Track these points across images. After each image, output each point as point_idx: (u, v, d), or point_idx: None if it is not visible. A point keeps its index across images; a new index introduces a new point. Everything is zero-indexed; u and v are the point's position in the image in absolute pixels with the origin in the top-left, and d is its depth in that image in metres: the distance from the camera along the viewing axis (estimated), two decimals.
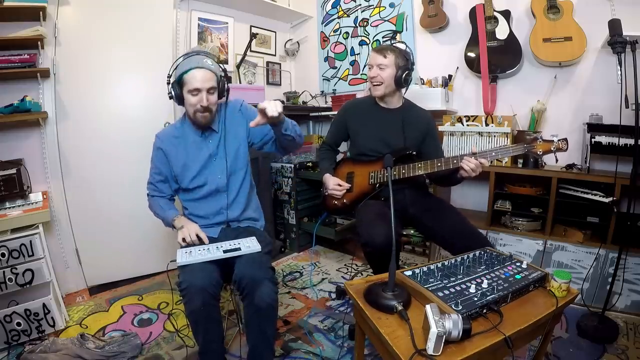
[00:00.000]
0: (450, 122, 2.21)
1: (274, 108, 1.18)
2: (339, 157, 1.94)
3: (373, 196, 1.61)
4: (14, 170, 1.76)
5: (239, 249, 1.29)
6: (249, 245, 1.32)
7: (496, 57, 2.18)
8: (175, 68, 1.37)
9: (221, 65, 1.43)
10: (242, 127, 1.49)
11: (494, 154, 1.42)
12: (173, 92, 1.37)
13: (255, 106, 1.25)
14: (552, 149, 1.33)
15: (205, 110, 1.36)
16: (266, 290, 1.20)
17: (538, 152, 1.35)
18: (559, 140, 1.32)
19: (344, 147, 1.99)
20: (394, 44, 1.67)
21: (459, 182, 1.54)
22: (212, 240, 1.42)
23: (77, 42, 2.03)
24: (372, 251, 1.36)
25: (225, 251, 1.27)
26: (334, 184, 1.70)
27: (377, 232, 1.33)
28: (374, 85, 1.63)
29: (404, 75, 1.59)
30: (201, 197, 1.49)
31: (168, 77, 1.39)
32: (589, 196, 1.81)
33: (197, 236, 1.38)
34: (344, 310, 1.90)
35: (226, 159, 1.46)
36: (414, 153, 1.61)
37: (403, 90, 1.69)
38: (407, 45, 1.68)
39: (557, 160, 1.44)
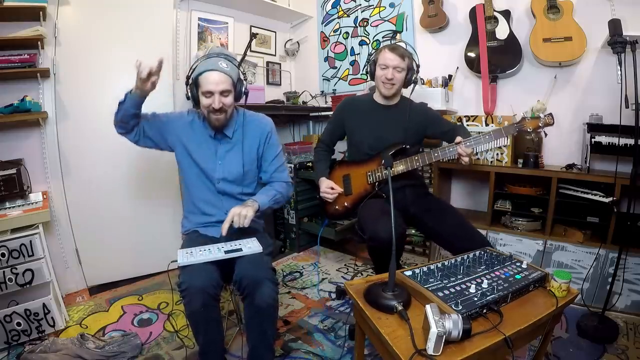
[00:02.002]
0: None
1: (237, 221, 1.26)
2: (339, 157, 1.93)
3: (373, 195, 1.61)
4: (14, 170, 1.76)
5: (240, 249, 1.29)
6: (250, 246, 1.31)
7: (496, 57, 2.18)
8: (194, 70, 1.37)
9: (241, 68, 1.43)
10: (259, 145, 1.50)
11: (487, 137, 1.47)
12: (190, 93, 1.38)
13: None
14: (540, 124, 1.44)
15: (218, 111, 1.35)
16: (267, 291, 1.20)
17: (528, 129, 1.47)
18: (545, 115, 1.46)
19: (343, 146, 1.98)
20: (396, 44, 1.66)
21: None
22: (213, 240, 1.41)
23: (77, 42, 2.02)
24: (378, 245, 1.36)
25: (226, 252, 1.27)
26: (325, 187, 1.69)
27: (381, 226, 1.33)
28: (388, 85, 1.60)
29: (412, 77, 1.63)
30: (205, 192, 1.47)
31: (187, 77, 1.40)
32: (589, 196, 1.81)
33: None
34: (344, 310, 1.90)
35: (243, 166, 1.47)
36: (407, 146, 1.61)
37: (404, 89, 1.70)
38: (410, 46, 1.68)
39: (545, 135, 1.59)
